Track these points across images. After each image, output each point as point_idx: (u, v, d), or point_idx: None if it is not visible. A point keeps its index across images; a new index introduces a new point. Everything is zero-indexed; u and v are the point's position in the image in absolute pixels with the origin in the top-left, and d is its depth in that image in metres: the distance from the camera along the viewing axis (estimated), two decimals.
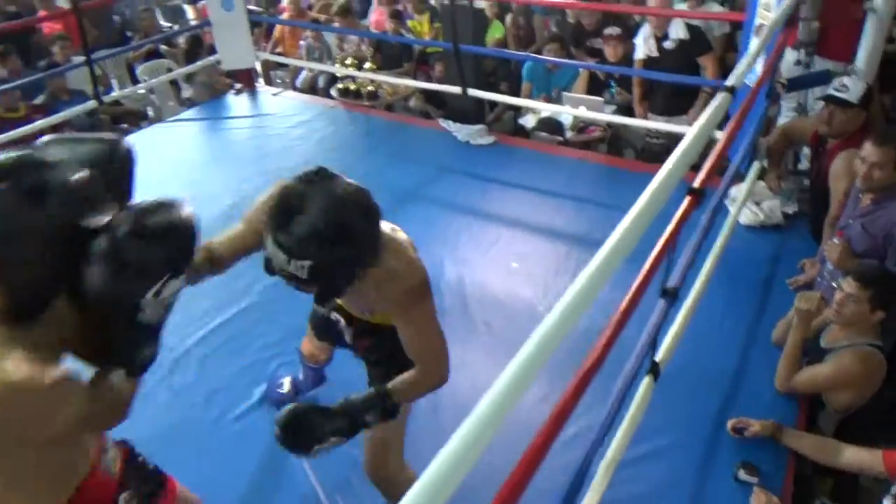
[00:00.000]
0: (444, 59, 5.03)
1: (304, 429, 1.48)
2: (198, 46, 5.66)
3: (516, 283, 3.15)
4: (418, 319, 1.57)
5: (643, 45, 4.27)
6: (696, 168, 1.73)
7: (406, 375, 1.61)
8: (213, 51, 5.38)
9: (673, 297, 1.74)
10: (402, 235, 1.65)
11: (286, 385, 2.52)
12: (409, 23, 6.01)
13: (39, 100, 4.90)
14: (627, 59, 4.43)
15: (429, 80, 5.30)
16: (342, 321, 1.87)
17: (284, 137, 4.73)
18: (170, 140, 4.80)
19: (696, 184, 1.63)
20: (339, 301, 1.80)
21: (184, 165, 4.43)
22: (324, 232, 1.29)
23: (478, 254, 3.34)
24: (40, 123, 4.42)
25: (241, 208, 3.49)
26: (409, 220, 3.54)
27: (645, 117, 4.35)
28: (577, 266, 3.26)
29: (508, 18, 5.74)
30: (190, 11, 7.52)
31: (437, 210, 3.72)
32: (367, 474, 1.90)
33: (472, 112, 4.61)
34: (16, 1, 5.84)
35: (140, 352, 1.22)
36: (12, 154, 1.08)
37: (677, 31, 4.14)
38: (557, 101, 4.61)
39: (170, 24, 7.36)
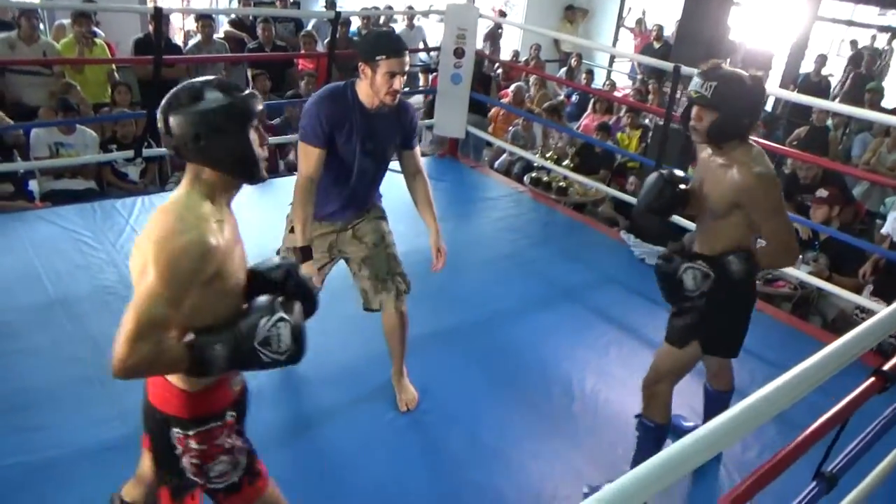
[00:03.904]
0: (643, 175, 5.01)
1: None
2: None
3: None
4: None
5: (893, 223, 3.95)
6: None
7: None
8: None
9: (829, 483, 1.54)
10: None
11: None
12: (619, 135, 6.14)
13: (276, 121, 5.56)
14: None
15: (622, 190, 5.31)
16: None
17: (466, 206, 4.94)
18: None
19: (887, 367, 1.46)
20: None
21: None
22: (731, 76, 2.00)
23: (622, 371, 3.19)
24: (271, 140, 4.99)
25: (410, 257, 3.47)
26: (563, 317, 3.57)
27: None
28: None
29: None
30: (422, 79, 8.27)
31: (593, 316, 3.64)
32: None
33: (655, 232, 4.52)
34: (286, 38, 6.75)
35: None
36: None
37: None
38: None
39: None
